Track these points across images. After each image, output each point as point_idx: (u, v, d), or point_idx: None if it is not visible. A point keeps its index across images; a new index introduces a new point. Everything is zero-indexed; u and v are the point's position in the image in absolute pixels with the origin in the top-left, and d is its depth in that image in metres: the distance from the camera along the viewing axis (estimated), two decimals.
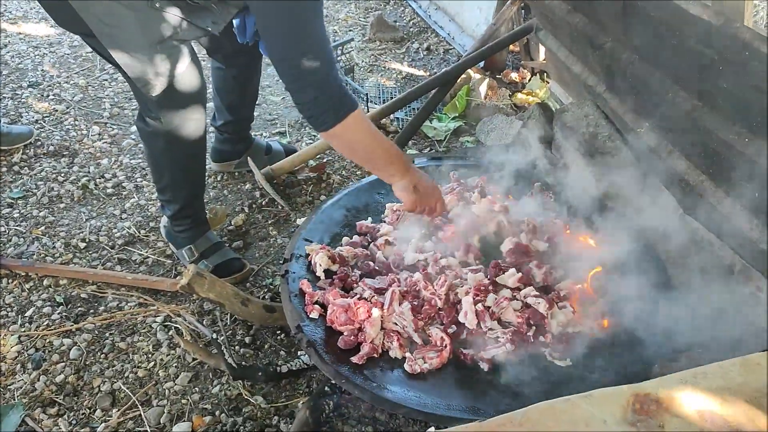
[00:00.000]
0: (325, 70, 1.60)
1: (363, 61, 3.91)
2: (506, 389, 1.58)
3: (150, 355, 2.08)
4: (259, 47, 2.03)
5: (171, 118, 2.01)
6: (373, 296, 1.78)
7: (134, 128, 3.01)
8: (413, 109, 3.24)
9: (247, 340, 2.11)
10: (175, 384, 1.98)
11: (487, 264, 1.92)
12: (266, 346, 2.10)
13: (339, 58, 3.44)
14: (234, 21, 2.15)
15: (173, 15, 1.82)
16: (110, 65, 2.42)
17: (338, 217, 2.14)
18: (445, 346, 1.66)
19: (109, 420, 1.87)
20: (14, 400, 1.93)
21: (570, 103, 2.49)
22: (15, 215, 2.65)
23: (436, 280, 1.83)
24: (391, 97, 3.27)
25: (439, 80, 2.93)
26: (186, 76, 1.95)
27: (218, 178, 2.88)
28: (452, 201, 2.13)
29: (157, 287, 2.28)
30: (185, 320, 2.14)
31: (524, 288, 1.81)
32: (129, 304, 2.25)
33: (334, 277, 1.88)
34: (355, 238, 2.06)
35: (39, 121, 3.23)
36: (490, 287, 1.80)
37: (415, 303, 1.75)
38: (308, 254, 1.95)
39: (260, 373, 1.91)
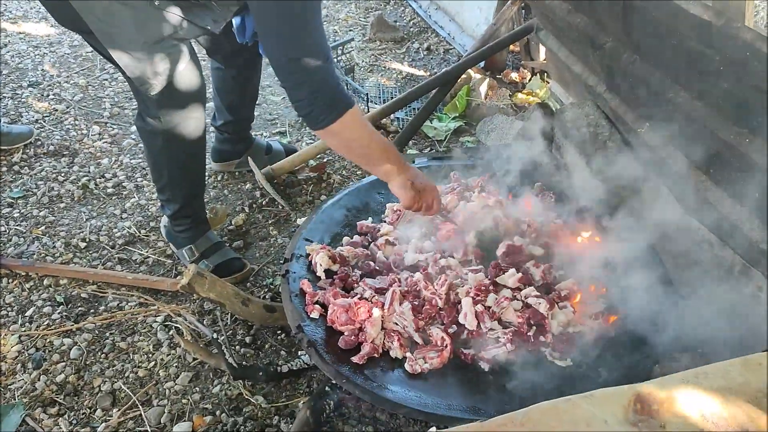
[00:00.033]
0: (324, 68, 1.60)
1: (363, 61, 3.91)
2: (507, 389, 1.58)
3: (150, 355, 2.08)
4: (259, 48, 2.03)
5: (170, 118, 2.01)
6: (374, 296, 1.78)
7: (134, 128, 3.01)
8: (413, 109, 3.24)
9: (247, 339, 2.11)
10: (176, 384, 1.98)
11: (486, 262, 1.92)
12: (267, 346, 2.10)
13: (339, 58, 3.44)
14: (234, 21, 2.15)
15: (173, 14, 1.82)
16: (110, 65, 2.43)
17: (339, 216, 2.14)
18: (446, 346, 1.66)
19: (109, 420, 1.87)
20: (15, 399, 1.93)
21: (570, 103, 2.49)
22: (15, 215, 2.65)
23: (436, 279, 1.83)
24: (392, 97, 3.27)
25: (439, 80, 2.93)
26: (185, 75, 1.95)
27: (218, 178, 2.88)
28: (452, 201, 2.13)
29: (157, 287, 2.28)
30: (186, 320, 2.14)
31: (524, 288, 1.81)
32: (129, 304, 2.25)
33: (334, 277, 1.88)
34: (356, 238, 2.06)
35: (39, 121, 3.23)
36: (491, 287, 1.80)
37: (416, 303, 1.75)
38: (309, 254, 1.95)
39: (261, 373, 1.91)
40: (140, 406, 1.91)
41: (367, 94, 3.22)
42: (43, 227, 2.59)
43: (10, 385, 1.98)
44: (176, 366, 2.03)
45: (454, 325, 1.73)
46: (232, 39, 2.24)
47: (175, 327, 2.15)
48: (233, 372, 1.87)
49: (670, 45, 1.56)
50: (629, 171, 1.96)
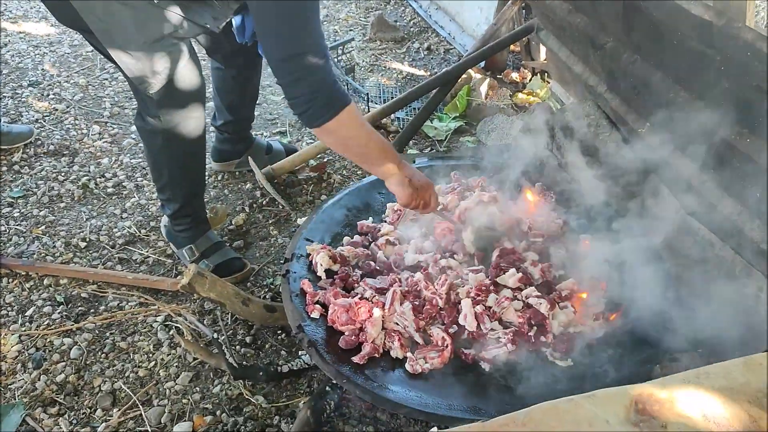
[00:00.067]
0: (322, 66, 1.60)
1: (363, 61, 3.91)
2: (507, 389, 1.58)
3: (151, 355, 2.08)
4: (258, 49, 2.03)
5: (170, 117, 2.01)
6: (374, 296, 1.78)
7: (134, 127, 3.01)
8: (414, 108, 3.23)
9: (247, 339, 2.11)
10: (176, 384, 1.98)
11: (484, 260, 1.92)
12: (267, 346, 2.10)
13: (340, 58, 3.44)
14: (234, 21, 2.15)
15: (172, 12, 1.82)
16: (111, 64, 2.43)
17: (339, 216, 2.14)
18: (447, 346, 1.66)
19: (109, 420, 1.87)
20: (15, 399, 1.93)
21: (571, 103, 2.49)
22: (15, 214, 2.65)
23: (437, 280, 1.83)
24: (392, 97, 3.27)
25: (439, 80, 2.93)
26: (184, 74, 1.95)
27: (219, 178, 2.88)
28: (453, 201, 2.13)
29: (157, 287, 2.28)
30: (186, 320, 2.14)
31: (525, 288, 1.81)
32: (129, 304, 2.24)
33: (335, 276, 1.88)
34: (356, 237, 2.06)
35: (39, 121, 3.23)
36: (492, 287, 1.80)
37: (416, 303, 1.75)
38: (309, 254, 1.94)
39: (261, 373, 1.91)
40: (140, 406, 1.91)
41: (367, 93, 3.22)
42: (43, 227, 2.59)
43: (10, 384, 1.98)
44: (176, 366, 2.03)
45: (454, 325, 1.73)
46: (232, 39, 2.24)
47: (176, 327, 2.15)
48: (234, 372, 1.87)
49: (671, 45, 1.56)
50: (630, 171, 1.96)
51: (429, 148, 3.11)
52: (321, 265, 1.89)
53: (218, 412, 1.89)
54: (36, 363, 2.04)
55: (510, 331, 1.69)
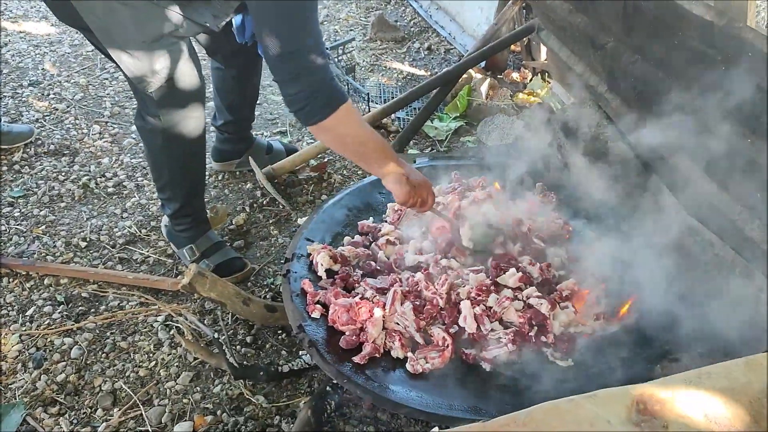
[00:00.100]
0: (320, 64, 1.60)
1: (364, 61, 3.91)
2: (508, 389, 1.58)
3: (151, 355, 2.08)
4: (258, 49, 2.03)
5: (170, 116, 2.01)
6: (375, 296, 1.77)
7: (135, 127, 3.02)
8: (414, 108, 3.23)
9: (248, 339, 2.11)
10: (177, 383, 1.98)
11: (480, 256, 1.93)
12: (267, 346, 2.10)
13: (340, 58, 3.44)
14: (234, 20, 2.15)
15: (171, 11, 1.82)
16: (111, 64, 2.43)
17: (340, 216, 2.14)
18: (447, 346, 1.65)
19: (110, 419, 1.87)
20: (15, 399, 1.93)
21: (571, 103, 2.49)
22: (15, 214, 2.65)
23: (437, 280, 1.83)
24: (392, 97, 3.27)
25: (440, 80, 2.93)
26: (184, 73, 1.95)
27: (219, 178, 2.87)
28: (453, 201, 2.13)
29: (158, 286, 2.28)
30: (186, 320, 2.14)
31: (525, 287, 1.81)
32: (130, 304, 2.24)
33: (335, 276, 1.87)
34: (357, 237, 2.06)
35: (39, 120, 3.23)
36: (492, 287, 1.80)
37: (417, 303, 1.75)
38: (310, 254, 1.94)
39: (262, 373, 1.91)
40: (141, 406, 1.91)
41: (368, 93, 3.22)
42: (43, 226, 2.59)
43: (10, 384, 1.98)
44: (177, 365, 2.03)
45: (455, 325, 1.73)
46: (231, 39, 2.24)
47: (176, 326, 2.15)
48: (234, 372, 1.87)
49: (672, 45, 1.56)
50: (630, 171, 1.96)
51: (429, 148, 3.11)
52: (322, 265, 1.89)
53: (219, 412, 1.89)
54: (36, 363, 2.04)
55: (510, 331, 1.69)
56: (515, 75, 3.64)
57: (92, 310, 2.23)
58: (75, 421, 1.88)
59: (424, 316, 1.73)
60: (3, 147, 2.97)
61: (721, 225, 1.62)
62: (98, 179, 2.85)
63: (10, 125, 3.05)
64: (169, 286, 2.26)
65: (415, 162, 2.36)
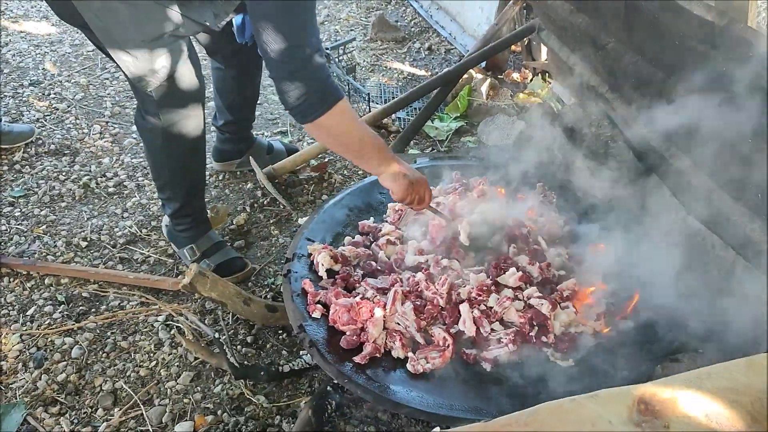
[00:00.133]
0: (316, 61, 1.59)
1: (364, 61, 3.91)
2: (509, 389, 1.58)
3: (152, 355, 2.08)
4: (258, 49, 2.03)
5: (169, 116, 2.01)
6: (376, 296, 1.78)
7: (135, 127, 3.02)
8: (415, 109, 3.24)
9: (249, 339, 2.11)
10: (177, 383, 1.98)
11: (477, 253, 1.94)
12: (268, 346, 2.10)
13: (341, 58, 3.43)
14: (234, 21, 2.15)
15: (170, 10, 1.82)
16: (112, 64, 2.43)
17: (340, 216, 2.14)
18: (448, 346, 1.66)
19: (110, 419, 1.87)
20: (16, 398, 1.93)
21: (572, 103, 2.49)
22: (16, 214, 2.65)
23: (437, 279, 1.83)
24: (393, 97, 3.27)
25: (440, 80, 2.93)
26: (184, 73, 1.95)
27: (220, 178, 2.88)
28: (454, 200, 2.13)
29: (158, 286, 2.28)
30: (187, 319, 2.14)
31: (526, 286, 1.81)
32: (131, 303, 2.24)
33: (336, 276, 1.88)
34: (358, 237, 2.06)
35: (40, 120, 3.23)
36: (493, 287, 1.80)
37: (418, 303, 1.75)
38: (310, 254, 1.94)
39: (262, 373, 1.91)
40: (141, 406, 1.91)
41: (368, 93, 3.21)
42: (44, 226, 2.59)
43: (11, 384, 1.98)
44: (178, 365, 2.03)
45: (455, 325, 1.73)
46: (232, 39, 2.24)
47: (177, 326, 2.15)
48: (235, 371, 1.87)
49: (673, 45, 1.56)
50: (631, 172, 1.96)
51: (430, 149, 3.11)
52: (322, 264, 1.89)
53: (219, 412, 1.89)
54: (37, 362, 2.04)
55: (511, 331, 1.69)
56: (516, 75, 3.64)
57: (93, 310, 2.23)
58: (76, 421, 1.88)
59: (424, 316, 1.73)
60: (4, 147, 2.97)
61: (722, 226, 1.62)
62: (99, 179, 2.85)
63: (10, 125, 3.05)
64: (169, 285, 2.26)
65: (415, 162, 2.36)
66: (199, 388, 1.97)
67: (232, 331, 2.15)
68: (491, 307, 1.75)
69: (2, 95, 3.42)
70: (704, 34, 1.37)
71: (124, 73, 1.94)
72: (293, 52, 1.57)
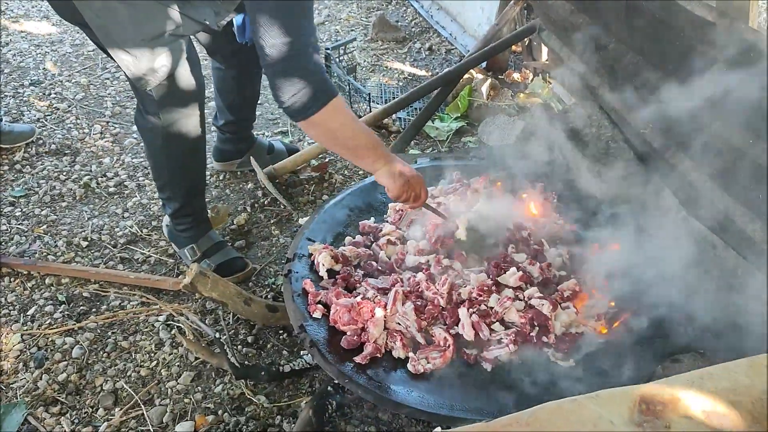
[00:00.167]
0: (312, 58, 1.59)
1: (365, 61, 3.91)
2: (510, 389, 1.58)
3: (152, 354, 2.08)
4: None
5: (169, 115, 2.01)
6: (376, 296, 1.77)
7: (136, 126, 3.02)
8: (416, 109, 3.24)
9: (249, 339, 2.11)
10: (178, 383, 1.98)
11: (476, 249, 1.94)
12: (269, 346, 2.10)
13: (341, 58, 3.44)
14: (234, 20, 2.15)
15: (170, 9, 1.82)
16: (112, 63, 2.43)
17: (341, 216, 2.14)
18: (448, 346, 1.66)
19: (111, 419, 1.87)
20: (17, 398, 1.93)
21: (573, 104, 2.49)
22: (17, 213, 2.65)
23: (438, 280, 1.83)
24: (393, 97, 3.27)
25: (441, 80, 2.93)
26: (183, 72, 1.95)
27: (220, 178, 2.88)
28: (455, 200, 2.13)
29: (159, 286, 2.28)
30: (188, 319, 2.14)
31: (526, 286, 1.81)
32: (131, 303, 2.25)
33: (337, 276, 1.87)
34: (358, 237, 2.06)
35: (41, 120, 3.23)
36: (493, 287, 1.80)
37: (419, 303, 1.75)
38: (311, 254, 1.94)
39: (263, 373, 1.91)
40: (142, 406, 1.91)
41: (369, 94, 3.22)
42: (44, 226, 2.59)
43: (12, 383, 1.98)
44: (178, 365, 2.03)
45: (456, 326, 1.73)
46: (232, 39, 2.24)
47: (177, 326, 2.15)
48: (235, 371, 1.87)
49: (674, 46, 1.56)
50: (632, 172, 1.96)
51: (430, 149, 3.11)
52: (323, 265, 1.89)
53: (220, 412, 1.89)
54: (38, 362, 2.04)
55: (512, 331, 1.69)
56: (516, 75, 3.64)
57: (93, 310, 2.23)
58: (76, 421, 1.89)
59: (425, 316, 1.73)
60: (4, 146, 2.97)
61: (723, 226, 1.62)
62: (99, 179, 2.86)
63: (11, 125, 3.05)
64: (170, 285, 2.26)
65: (416, 162, 2.36)
66: (199, 388, 1.97)
67: (232, 331, 2.15)
68: (492, 307, 1.75)
69: (3, 95, 3.42)
70: (705, 35, 1.37)
71: (124, 72, 1.94)
72: (289, 48, 1.56)
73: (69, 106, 3.36)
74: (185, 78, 1.97)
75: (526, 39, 3.39)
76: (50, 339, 2.12)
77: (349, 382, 1.56)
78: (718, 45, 1.36)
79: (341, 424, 1.75)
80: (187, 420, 1.87)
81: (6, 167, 2.90)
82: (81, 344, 2.10)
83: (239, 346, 2.09)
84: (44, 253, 2.45)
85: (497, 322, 1.74)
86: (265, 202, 2.73)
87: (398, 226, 2.10)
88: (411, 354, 1.65)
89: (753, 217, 1.49)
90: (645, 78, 1.76)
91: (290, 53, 1.57)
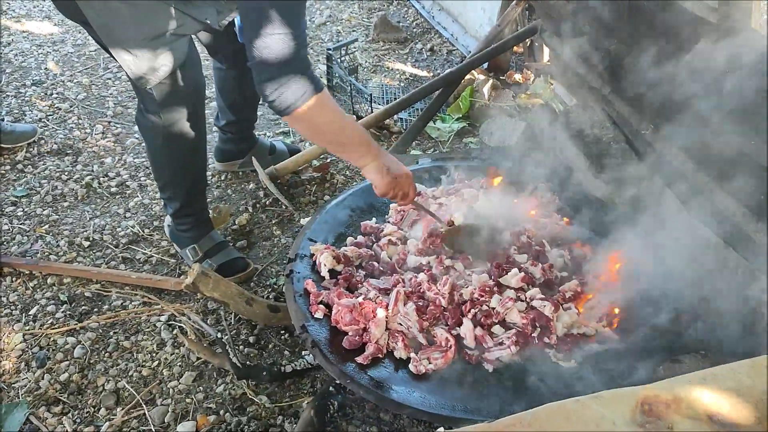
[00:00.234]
0: (298, 51, 1.57)
1: (366, 62, 3.92)
2: (511, 390, 1.58)
3: (154, 354, 2.08)
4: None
5: (170, 114, 2.01)
6: (378, 296, 1.78)
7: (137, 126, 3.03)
8: (417, 109, 3.24)
9: (251, 339, 2.12)
10: (180, 383, 1.98)
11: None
12: (270, 346, 2.11)
13: (343, 59, 3.44)
14: (236, 20, 2.15)
15: (171, 8, 1.82)
16: (114, 63, 2.43)
17: (342, 217, 2.14)
18: (450, 347, 1.66)
19: (113, 419, 1.87)
20: (18, 398, 1.93)
21: (574, 105, 2.49)
22: (19, 213, 2.66)
23: (439, 280, 1.83)
24: (395, 98, 3.27)
25: (443, 81, 2.94)
26: (184, 72, 1.95)
27: (222, 178, 2.88)
28: (456, 201, 2.14)
29: (161, 286, 2.28)
30: (189, 319, 2.14)
31: (528, 287, 1.81)
32: (133, 303, 2.25)
33: (338, 277, 1.88)
34: (360, 238, 2.06)
35: (42, 120, 3.24)
36: (495, 288, 1.80)
37: (420, 303, 1.76)
38: (313, 254, 1.95)
39: (264, 373, 1.91)
40: (144, 405, 1.91)
41: (370, 94, 3.22)
42: (46, 226, 2.60)
43: (14, 383, 1.98)
44: (180, 365, 2.04)
45: (457, 326, 1.73)
46: (233, 39, 2.25)
47: (179, 326, 2.15)
48: (237, 371, 1.88)
49: (675, 46, 1.57)
50: (633, 173, 1.96)
51: (432, 149, 3.11)
52: (325, 265, 1.89)
53: (222, 412, 1.89)
54: (40, 362, 2.04)
55: (513, 332, 1.69)
56: (518, 76, 3.64)
57: (95, 310, 2.23)
58: (78, 421, 1.89)
59: (427, 316, 1.73)
60: (6, 146, 2.97)
61: (724, 227, 1.62)
62: (101, 179, 2.86)
63: (13, 124, 3.06)
64: (172, 285, 2.27)
65: (417, 163, 2.36)
66: (201, 388, 1.97)
67: (234, 331, 2.15)
68: (493, 308, 1.75)
69: (5, 95, 3.43)
70: (707, 36, 1.38)
71: (125, 71, 1.94)
72: (275, 43, 1.55)
73: (71, 106, 3.36)
74: (186, 77, 1.97)
75: (527, 40, 3.39)
76: (52, 339, 2.12)
77: (350, 382, 1.56)
78: (720, 45, 1.36)
79: (343, 424, 1.75)
80: (188, 420, 1.87)
81: (8, 167, 2.90)
82: (83, 344, 2.10)
83: (241, 346, 2.09)
84: (46, 253, 2.45)
85: (497, 325, 1.74)
86: (267, 203, 2.73)
87: (400, 227, 2.10)
88: (412, 354, 1.65)
89: (755, 219, 1.49)
90: (646, 79, 1.76)
91: (276, 48, 1.55)
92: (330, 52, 3.33)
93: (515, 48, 3.63)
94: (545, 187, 2.23)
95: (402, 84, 3.70)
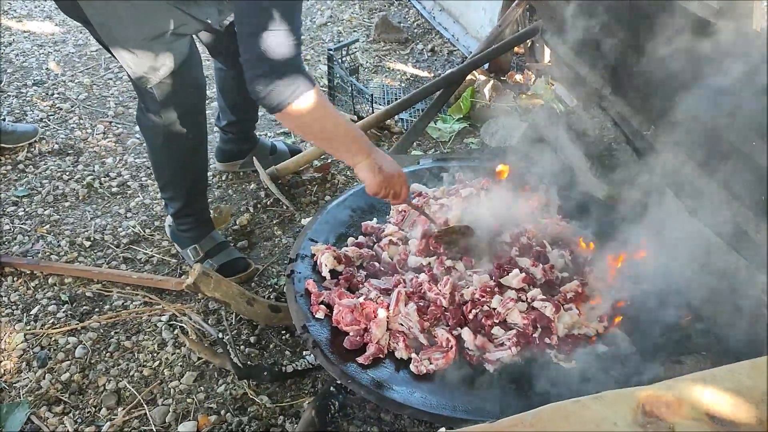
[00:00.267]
0: (291, 49, 1.57)
1: (367, 62, 3.92)
2: (512, 390, 1.58)
3: (155, 354, 2.08)
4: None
5: (170, 114, 2.02)
6: (379, 297, 1.78)
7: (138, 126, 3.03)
8: (418, 110, 3.24)
9: (252, 339, 2.12)
10: (181, 383, 1.98)
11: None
12: (271, 346, 2.11)
13: (344, 59, 3.44)
14: None
15: (172, 8, 1.82)
16: (115, 63, 2.43)
17: (343, 217, 2.14)
18: (451, 347, 1.66)
19: (114, 419, 1.88)
20: (20, 398, 1.94)
21: (575, 105, 2.49)
22: (20, 213, 2.66)
23: (440, 280, 1.83)
24: (396, 98, 3.27)
25: (443, 82, 2.94)
26: (185, 71, 1.95)
27: (223, 178, 2.88)
28: (456, 202, 2.14)
29: (162, 286, 2.28)
30: (190, 319, 2.14)
31: (529, 288, 1.81)
32: (134, 303, 2.25)
33: (339, 277, 1.88)
34: (361, 238, 2.06)
35: (43, 120, 3.24)
36: (496, 289, 1.80)
37: (421, 304, 1.76)
38: (314, 254, 1.95)
39: (265, 373, 1.91)
40: (145, 405, 1.91)
41: (371, 95, 3.22)
42: (47, 226, 2.60)
43: (15, 383, 1.99)
44: (181, 365, 2.04)
45: (458, 327, 1.73)
46: (234, 39, 2.24)
47: (180, 326, 2.15)
48: (238, 372, 1.88)
49: (676, 47, 1.57)
50: (634, 173, 1.96)
51: (433, 150, 3.11)
52: (326, 265, 1.89)
53: (223, 412, 1.89)
54: (41, 362, 2.04)
55: (514, 333, 1.69)
56: (519, 77, 3.64)
57: (96, 310, 2.24)
58: (79, 420, 1.89)
59: (428, 317, 1.73)
60: (7, 146, 2.98)
61: (725, 228, 1.62)
62: (102, 179, 2.86)
63: (14, 124, 3.06)
64: (173, 285, 2.27)
65: (419, 163, 2.36)
66: (202, 388, 1.97)
67: (235, 331, 2.15)
68: (494, 309, 1.75)
69: (6, 95, 3.43)
70: (708, 36, 1.38)
71: (125, 71, 1.94)
72: (266, 35, 1.54)
73: (72, 106, 3.37)
74: (187, 77, 1.97)
75: (528, 40, 3.39)
76: (53, 338, 2.12)
77: (351, 382, 1.56)
78: (721, 45, 1.36)
79: (344, 424, 1.75)
80: (189, 420, 1.87)
81: (9, 167, 2.91)
82: (84, 344, 2.10)
83: (242, 347, 2.09)
84: (47, 253, 2.46)
85: (497, 326, 1.74)
86: (268, 203, 2.73)
87: (401, 227, 2.10)
88: (413, 355, 1.65)
89: (756, 219, 1.49)
90: (647, 79, 1.76)
91: (272, 45, 1.55)
92: (331, 52, 3.33)
93: (516, 49, 3.64)
94: (545, 187, 2.23)
95: (403, 84, 3.70)
